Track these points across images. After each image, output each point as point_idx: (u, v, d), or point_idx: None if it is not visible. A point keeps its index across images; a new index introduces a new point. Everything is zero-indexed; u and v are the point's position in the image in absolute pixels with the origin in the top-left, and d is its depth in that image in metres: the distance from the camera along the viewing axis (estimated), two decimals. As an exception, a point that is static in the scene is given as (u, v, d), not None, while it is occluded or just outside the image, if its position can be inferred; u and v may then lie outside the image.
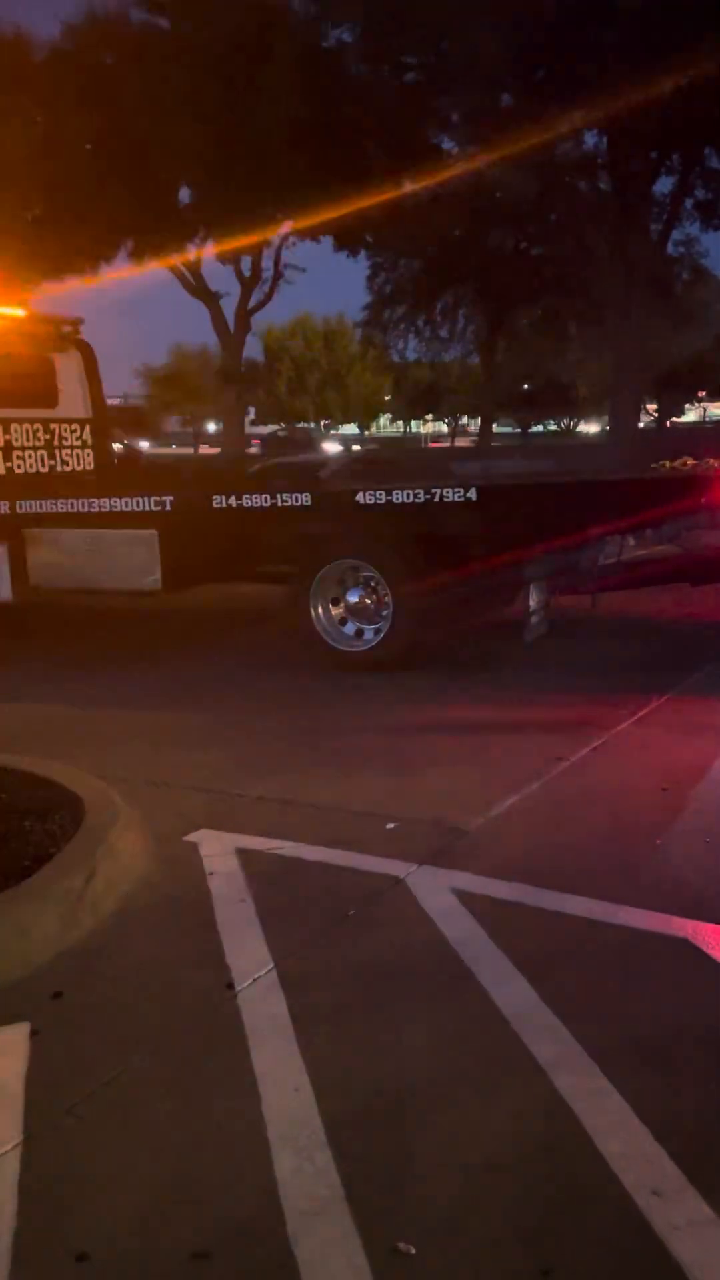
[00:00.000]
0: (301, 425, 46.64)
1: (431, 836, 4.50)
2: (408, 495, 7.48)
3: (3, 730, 6.15)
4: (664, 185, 26.83)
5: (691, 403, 61.09)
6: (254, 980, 3.38)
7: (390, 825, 4.65)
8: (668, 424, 52.19)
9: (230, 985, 3.36)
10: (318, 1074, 2.88)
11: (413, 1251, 2.28)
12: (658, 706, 6.35)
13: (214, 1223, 2.38)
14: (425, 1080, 2.88)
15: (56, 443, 9.61)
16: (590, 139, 26.40)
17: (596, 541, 7.45)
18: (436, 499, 7.40)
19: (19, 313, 9.70)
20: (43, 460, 9.49)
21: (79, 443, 9.85)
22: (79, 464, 9.82)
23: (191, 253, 30.62)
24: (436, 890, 3.99)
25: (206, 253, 30.50)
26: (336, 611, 7.74)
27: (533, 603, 7.41)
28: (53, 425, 9.59)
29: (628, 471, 8.48)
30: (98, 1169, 2.57)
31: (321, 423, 65.31)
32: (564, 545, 7.32)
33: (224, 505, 7.98)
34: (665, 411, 53.16)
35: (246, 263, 31.07)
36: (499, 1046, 3.00)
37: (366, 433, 70.43)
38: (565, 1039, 3.01)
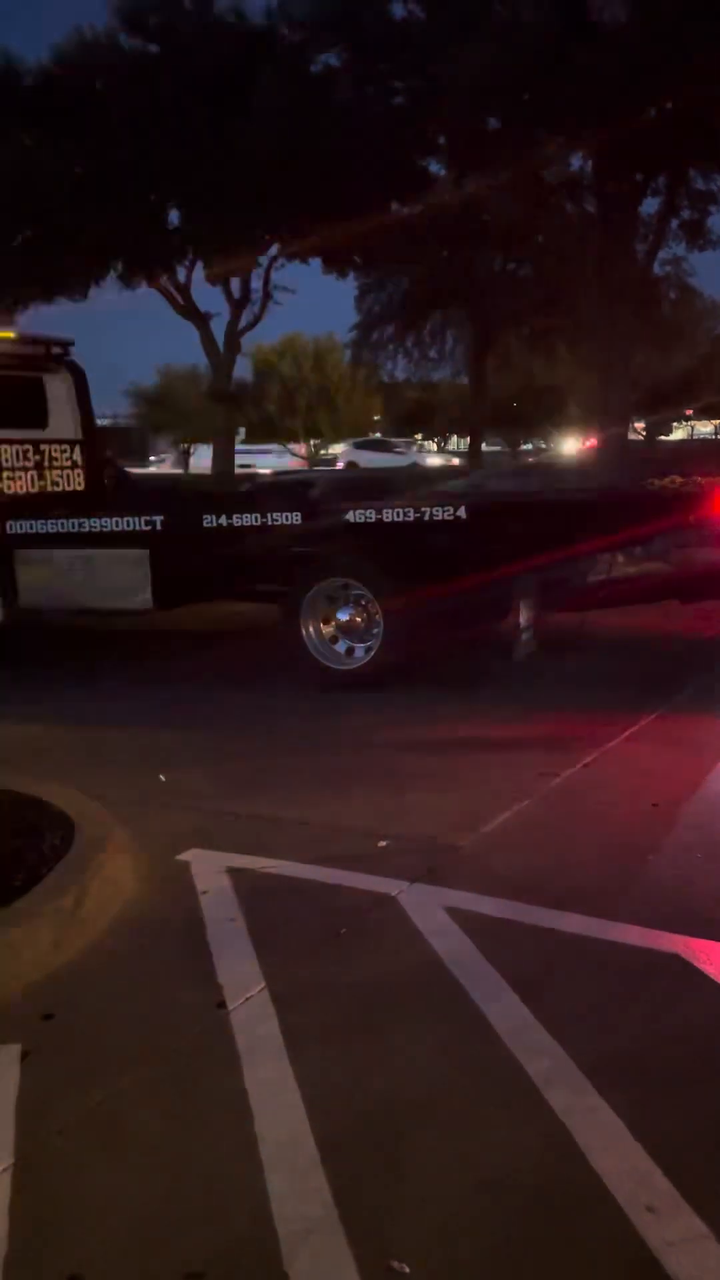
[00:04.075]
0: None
1: (423, 854, 4.50)
2: (397, 514, 7.51)
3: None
4: (650, 206, 27.09)
5: (680, 421, 61.39)
6: (246, 999, 3.38)
7: (382, 843, 4.65)
8: (657, 439, 52.46)
9: (222, 1004, 3.35)
10: (310, 1093, 2.88)
11: (406, 1270, 2.28)
12: (648, 723, 6.36)
13: (207, 1243, 2.37)
14: (418, 1098, 2.87)
15: (46, 463, 9.63)
16: (576, 161, 26.65)
17: (586, 558, 7.48)
18: (426, 517, 7.43)
19: (9, 334, 9.74)
20: (32, 481, 9.51)
21: (69, 463, 9.87)
22: (69, 484, 9.83)
23: (181, 274, 30.77)
24: (429, 908, 3.99)
25: (195, 274, 30.67)
26: (327, 630, 7.74)
27: (523, 620, 7.43)
28: (43, 446, 9.61)
29: (617, 489, 8.54)
30: (90, 1190, 2.56)
31: (312, 442, 65.40)
32: (554, 562, 7.34)
33: (214, 525, 7.99)
34: (653, 430, 53.41)
35: (236, 284, 31.22)
36: (492, 1064, 3.00)
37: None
38: (558, 1056, 3.01)
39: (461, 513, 7.39)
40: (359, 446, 46.98)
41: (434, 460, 43.03)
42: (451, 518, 7.38)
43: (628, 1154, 2.60)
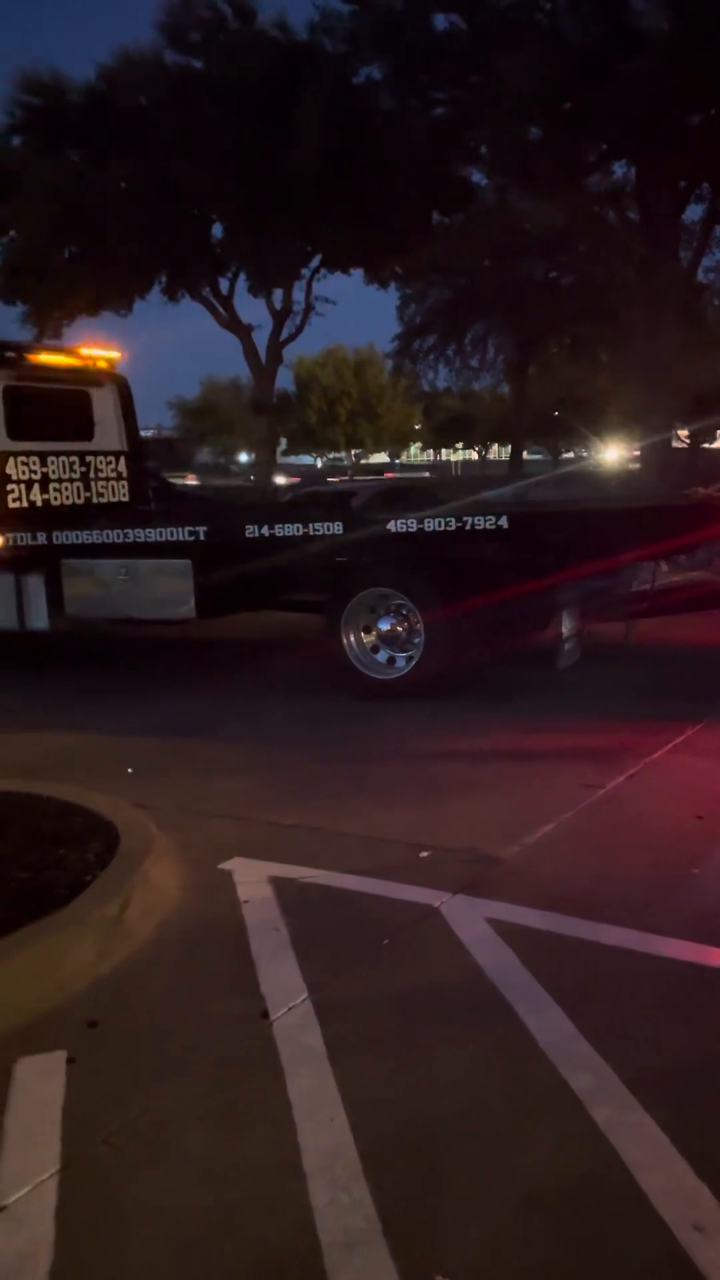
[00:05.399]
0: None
1: (465, 865, 4.49)
2: (439, 524, 7.50)
3: (37, 758, 6.21)
4: (694, 213, 26.94)
5: (723, 429, 60.71)
6: (289, 1009, 3.38)
7: (424, 854, 4.64)
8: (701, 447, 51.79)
9: (265, 1014, 3.35)
10: (353, 1104, 2.87)
11: (450, 1285, 2.26)
12: (693, 734, 6.30)
13: (250, 1254, 2.37)
14: (462, 1111, 2.86)
15: (92, 475, 9.74)
16: (618, 169, 26.58)
17: (629, 568, 7.43)
18: (467, 527, 7.42)
19: (56, 347, 9.88)
20: (79, 492, 9.62)
21: (114, 474, 9.97)
22: (114, 495, 9.94)
23: (224, 287, 31.03)
24: (471, 919, 3.97)
25: (238, 287, 30.92)
26: (368, 639, 7.75)
27: (565, 630, 7.39)
28: (89, 458, 9.72)
29: (659, 498, 8.48)
30: (134, 1198, 2.57)
31: (352, 452, 65.63)
32: (596, 572, 7.30)
33: (257, 535, 8.04)
34: (697, 437, 52.85)
35: (278, 296, 31.43)
36: (535, 1078, 2.98)
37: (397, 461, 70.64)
38: (602, 1070, 2.98)
39: (503, 522, 7.37)
40: None
41: None
42: (493, 527, 7.36)
43: (674, 1171, 2.56)
